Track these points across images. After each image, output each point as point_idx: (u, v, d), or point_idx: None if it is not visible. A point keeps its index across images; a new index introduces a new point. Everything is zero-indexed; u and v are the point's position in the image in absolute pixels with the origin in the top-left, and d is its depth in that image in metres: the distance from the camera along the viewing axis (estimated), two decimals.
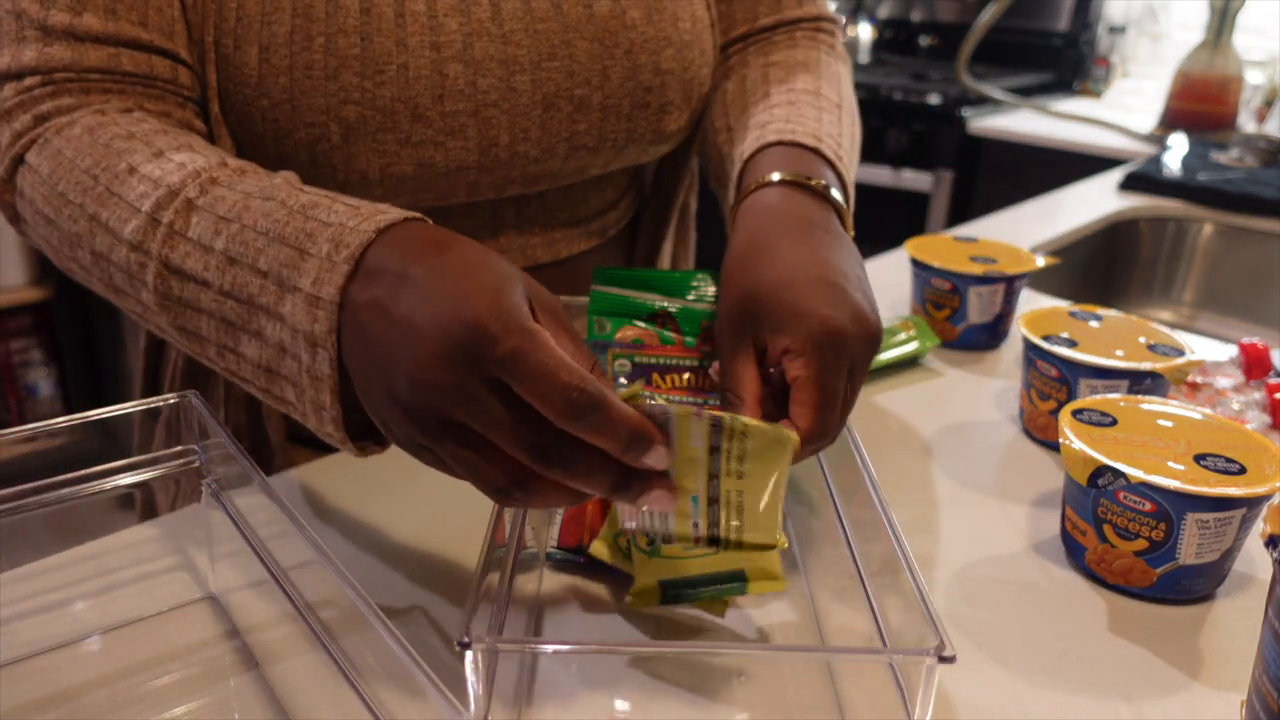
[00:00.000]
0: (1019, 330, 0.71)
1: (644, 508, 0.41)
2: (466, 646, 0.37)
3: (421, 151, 0.59)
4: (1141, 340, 0.69)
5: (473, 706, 0.39)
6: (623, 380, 0.54)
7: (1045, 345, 0.67)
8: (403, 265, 0.40)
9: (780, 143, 0.59)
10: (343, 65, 0.56)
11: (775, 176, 0.56)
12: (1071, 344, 0.67)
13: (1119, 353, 0.66)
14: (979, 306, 0.84)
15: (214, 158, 0.49)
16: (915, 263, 0.86)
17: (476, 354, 0.36)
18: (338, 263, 0.41)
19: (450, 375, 0.36)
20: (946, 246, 0.88)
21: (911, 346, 0.81)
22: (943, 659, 0.37)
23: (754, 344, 0.48)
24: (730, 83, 0.71)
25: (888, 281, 1.02)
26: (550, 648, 0.46)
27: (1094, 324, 0.71)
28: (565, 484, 0.39)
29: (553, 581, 0.53)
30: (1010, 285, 0.84)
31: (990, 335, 0.86)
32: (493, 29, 0.59)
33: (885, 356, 0.80)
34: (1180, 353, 0.67)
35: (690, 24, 0.68)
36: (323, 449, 0.70)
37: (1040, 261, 0.85)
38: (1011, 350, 0.87)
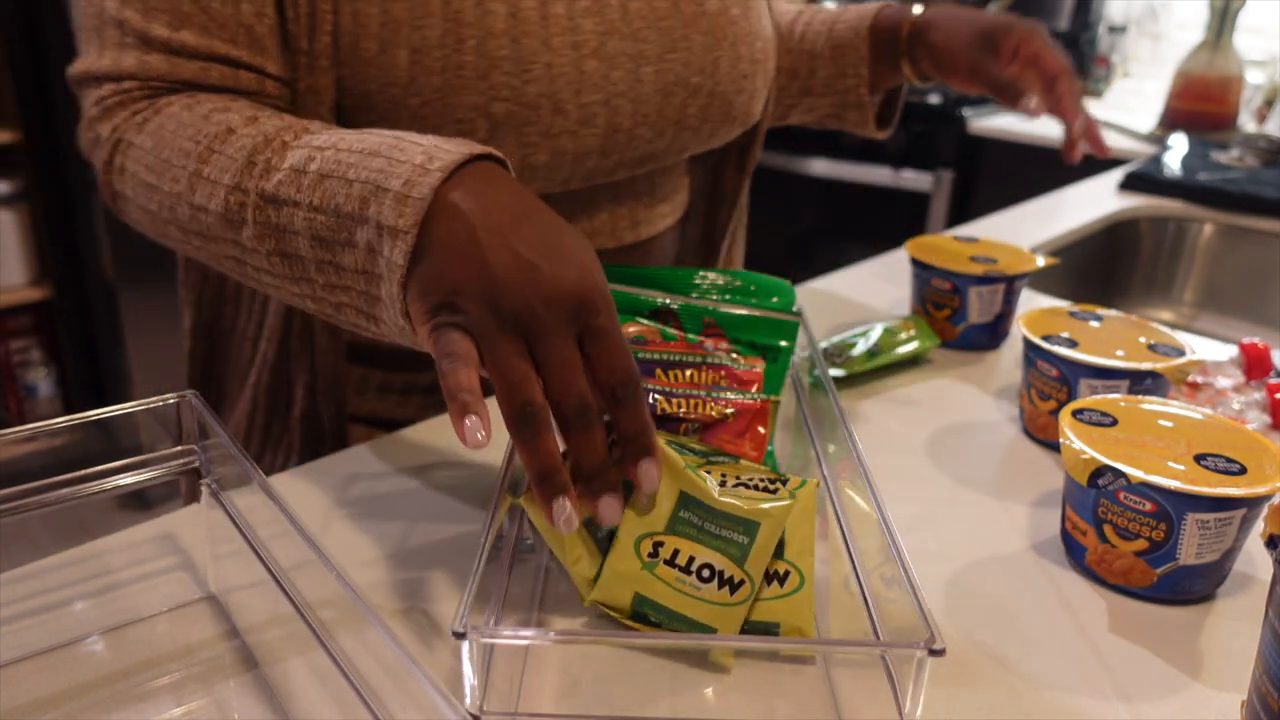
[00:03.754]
0: (1019, 330, 0.71)
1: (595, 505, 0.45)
2: (462, 636, 0.37)
3: (558, 141, 0.64)
4: (1142, 340, 0.69)
5: (468, 697, 0.39)
6: None
7: (1045, 345, 0.67)
8: (509, 193, 0.46)
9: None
10: (493, 66, 0.60)
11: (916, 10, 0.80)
12: (1072, 344, 0.67)
13: (1119, 353, 0.66)
14: (979, 306, 0.84)
15: (309, 120, 0.55)
16: (915, 263, 0.86)
17: (586, 311, 0.44)
18: (431, 170, 0.45)
19: (557, 313, 0.43)
20: (946, 246, 0.88)
21: (911, 346, 0.81)
22: (933, 652, 0.37)
23: (994, 54, 0.79)
24: (791, 34, 0.89)
25: (888, 282, 1.02)
26: (546, 638, 0.46)
27: (1094, 324, 0.71)
28: (569, 440, 0.44)
29: (552, 574, 0.53)
30: (1010, 285, 0.84)
31: (990, 335, 0.86)
32: (623, 27, 0.65)
33: (885, 357, 0.80)
34: (1180, 353, 0.67)
35: (766, 20, 0.77)
36: (377, 428, 0.73)
37: (1040, 261, 0.85)
38: (1011, 350, 0.87)
